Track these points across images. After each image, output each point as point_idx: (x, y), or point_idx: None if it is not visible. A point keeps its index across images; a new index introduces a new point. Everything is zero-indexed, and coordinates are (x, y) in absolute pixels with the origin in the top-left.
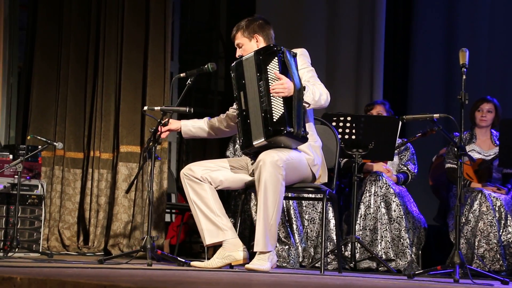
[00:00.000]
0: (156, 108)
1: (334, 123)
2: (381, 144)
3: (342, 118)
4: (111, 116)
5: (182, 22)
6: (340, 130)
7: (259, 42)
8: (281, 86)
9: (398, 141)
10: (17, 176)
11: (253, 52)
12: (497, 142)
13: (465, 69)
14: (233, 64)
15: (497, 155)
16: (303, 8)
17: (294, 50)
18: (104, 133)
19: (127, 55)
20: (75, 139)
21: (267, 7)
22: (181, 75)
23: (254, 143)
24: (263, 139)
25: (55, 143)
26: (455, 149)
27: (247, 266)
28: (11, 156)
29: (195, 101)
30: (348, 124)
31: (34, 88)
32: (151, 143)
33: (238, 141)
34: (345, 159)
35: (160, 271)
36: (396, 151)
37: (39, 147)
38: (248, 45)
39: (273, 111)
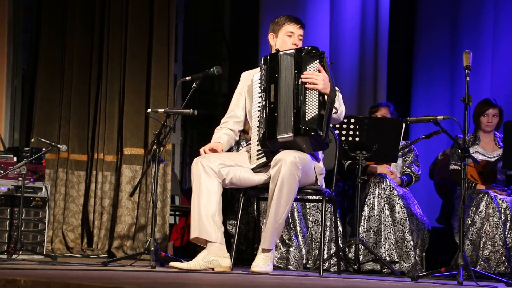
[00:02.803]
0: (160, 110)
1: (337, 125)
2: (385, 146)
3: (345, 120)
4: (115, 118)
5: (186, 25)
6: (344, 132)
7: None
8: (318, 77)
9: (402, 143)
10: (21, 179)
11: (293, 50)
12: (501, 144)
13: (469, 71)
14: (266, 56)
15: (501, 157)
16: (307, 11)
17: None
18: (108, 135)
19: (131, 58)
20: (79, 141)
21: (271, 10)
22: (187, 78)
23: (278, 137)
24: (291, 135)
25: (59, 145)
26: (459, 151)
27: (253, 269)
28: (15, 159)
29: (199, 103)
30: (352, 126)
31: (38, 91)
32: (155, 146)
33: (259, 131)
34: (349, 161)
35: (163, 273)
36: (400, 153)
37: (43, 149)
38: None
39: (307, 111)
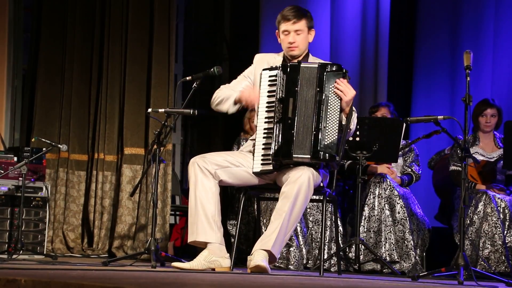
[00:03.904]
0: (160, 110)
1: None
2: (385, 146)
3: None
4: (116, 118)
5: (186, 25)
6: None
7: (309, 38)
8: (350, 91)
9: (402, 142)
10: (21, 178)
11: (317, 65)
12: (501, 145)
13: (469, 71)
14: (285, 64)
15: (501, 157)
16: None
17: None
18: (108, 135)
19: (132, 57)
20: (79, 141)
21: (271, 10)
22: (187, 78)
23: (294, 155)
24: (308, 157)
25: (59, 145)
26: (459, 151)
27: (258, 264)
28: (15, 158)
29: (200, 103)
30: None
31: (38, 90)
32: (155, 146)
33: (273, 145)
34: (349, 161)
35: (164, 273)
36: (400, 152)
37: (44, 149)
38: (305, 36)
39: (327, 134)
